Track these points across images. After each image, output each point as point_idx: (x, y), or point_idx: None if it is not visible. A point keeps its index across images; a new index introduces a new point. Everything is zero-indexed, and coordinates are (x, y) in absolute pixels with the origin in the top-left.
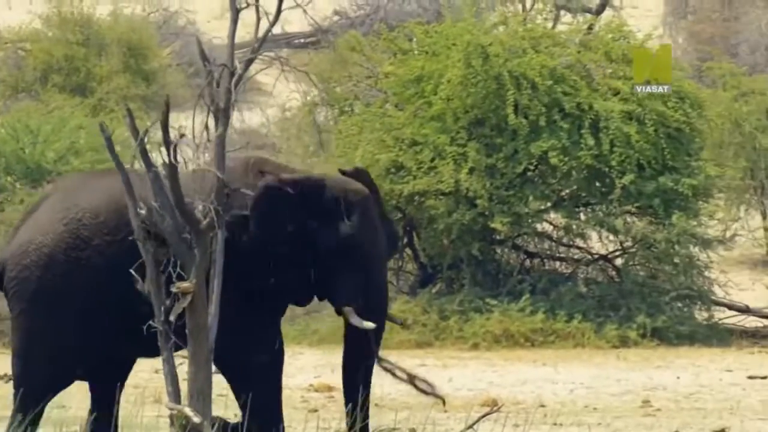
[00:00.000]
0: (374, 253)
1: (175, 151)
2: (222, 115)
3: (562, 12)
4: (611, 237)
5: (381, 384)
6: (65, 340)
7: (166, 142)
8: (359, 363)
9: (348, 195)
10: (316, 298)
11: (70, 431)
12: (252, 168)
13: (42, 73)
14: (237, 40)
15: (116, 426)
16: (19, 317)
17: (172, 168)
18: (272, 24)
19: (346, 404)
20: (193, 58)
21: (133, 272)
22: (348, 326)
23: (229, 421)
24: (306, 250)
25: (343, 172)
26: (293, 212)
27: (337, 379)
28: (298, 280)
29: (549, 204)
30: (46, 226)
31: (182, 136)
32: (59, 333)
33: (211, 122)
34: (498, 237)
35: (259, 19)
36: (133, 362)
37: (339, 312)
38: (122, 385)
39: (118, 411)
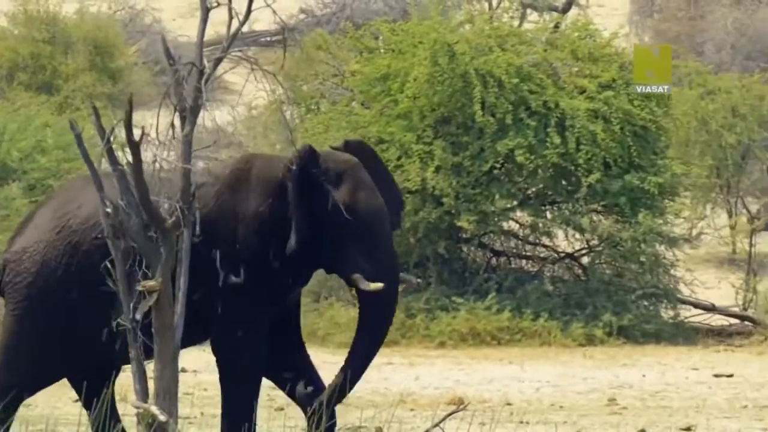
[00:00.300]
0: (374, 220)
1: (138, 149)
2: (190, 114)
3: (529, 10)
4: (577, 235)
5: None
6: (54, 343)
7: (130, 140)
8: (374, 336)
9: (337, 166)
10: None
11: (36, 430)
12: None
13: (8, 71)
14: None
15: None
16: (10, 317)
17: (137, 166)
18: (242, 23)
19: (345, 383)
20: (159, 57)
21: (109, 265)
22: (360, 299)
23: None
24: (308, 228)
25: (334, 148)
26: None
27: None
28: (305, 261)
29: (515, 202)
30: (40, 234)
31: (144, 134)
32: (47, 335)
33: (177, 121)
34: (464, 235)
35: (231, 19)
36: (119, 365)
37: (349, 283)
38: (108, 386)
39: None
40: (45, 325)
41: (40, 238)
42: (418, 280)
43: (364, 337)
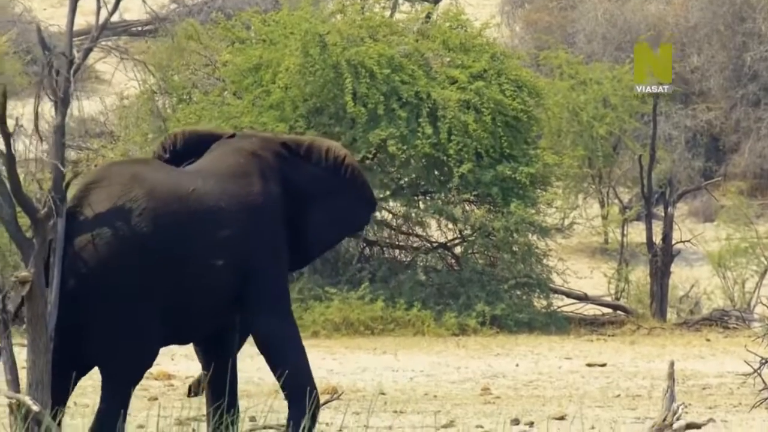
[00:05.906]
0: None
1: (10, 139)
2: (61, 104)
3: (400, 0)
4: (450, 225)
5: None
6: None
7: (4, 131)
8: None
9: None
10: None
11: None
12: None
13: None
14: (74, 27)
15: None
16: None
17: (9, 157)
18: (111, 13)
19: None
20: (30, 46)
21: None
22: None
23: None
24: None
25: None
26: None
27: (175, 367)
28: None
29: (388, 192)
30: None
31: (18, 126)
32: None
33: (48, 110)
34: None
35: (99, 8)
36: None
37: None
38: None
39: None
40: None
41: None
42: None
43: None
